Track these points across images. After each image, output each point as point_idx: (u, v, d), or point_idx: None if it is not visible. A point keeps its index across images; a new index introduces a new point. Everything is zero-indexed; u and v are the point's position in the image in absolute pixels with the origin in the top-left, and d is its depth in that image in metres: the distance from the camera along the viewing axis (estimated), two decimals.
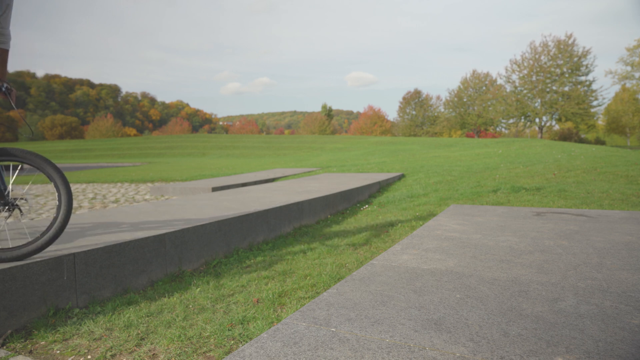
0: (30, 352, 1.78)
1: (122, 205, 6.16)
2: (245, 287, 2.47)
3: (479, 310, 1.48)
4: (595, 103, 43.36)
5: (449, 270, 1.97)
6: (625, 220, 3.10)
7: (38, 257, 2.11)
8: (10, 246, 2.10)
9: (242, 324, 1.94)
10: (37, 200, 6.71)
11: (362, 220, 4.58)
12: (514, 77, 46.65)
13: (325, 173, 9.55)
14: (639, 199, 4.53)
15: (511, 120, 48.53)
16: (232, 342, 1.77)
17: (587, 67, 43.44)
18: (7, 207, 2.16)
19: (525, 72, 45.46)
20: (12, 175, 2.20)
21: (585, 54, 43.18)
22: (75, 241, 2.50)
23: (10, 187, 2.22)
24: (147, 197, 7.20)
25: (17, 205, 2.17)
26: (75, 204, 6.40)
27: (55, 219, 2.13)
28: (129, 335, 1.86)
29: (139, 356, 1.69)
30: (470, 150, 16.62)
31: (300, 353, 1.21)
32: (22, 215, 2.24)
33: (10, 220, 2.23)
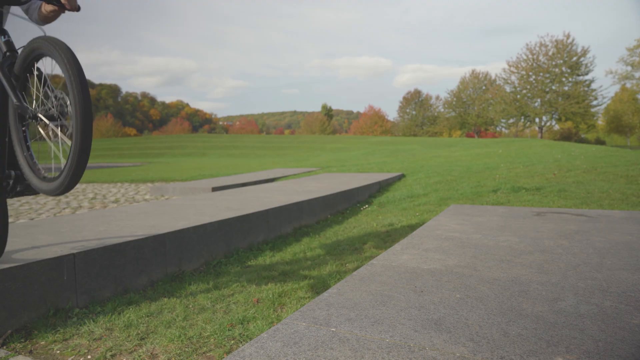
0: (30, 352, 1.78)
1: (122, 205, 6.16)
2: (245, 287, 2.47)
3: (479, 310, 1.48)
4: (595, 103, 43.43)
5: (449, 270, 1.98)
6: (625, 220, 3.10)
7: (38, 257, 2.11)
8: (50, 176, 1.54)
9: (242, 324, 1.94)
10: None
11: (362, 220, 4.58)
12: (513, 77, 46.72)
13: (326, 173, 9.55)
14: (639, 199, 4.53)
15: (511, 120, 48.61)
16: (232, 342, 1.77)
17: (586, 66, 43.52)
18: (34, 120, 1.59)
19: (522, 72, 45.52)
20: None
21: (585, 53, 43.25)
22: (76, 241, 2.50)
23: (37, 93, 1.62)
24: (147, 197, 7.20)
25: (40, 116, 1.60)
26: (75, 203, 6.39)
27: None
28: (129, 335, 1.86)
29: (139, 356, 1.69)
30: (470, 150, 16.61)
31: (300, 353, 1.21)
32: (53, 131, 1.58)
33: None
